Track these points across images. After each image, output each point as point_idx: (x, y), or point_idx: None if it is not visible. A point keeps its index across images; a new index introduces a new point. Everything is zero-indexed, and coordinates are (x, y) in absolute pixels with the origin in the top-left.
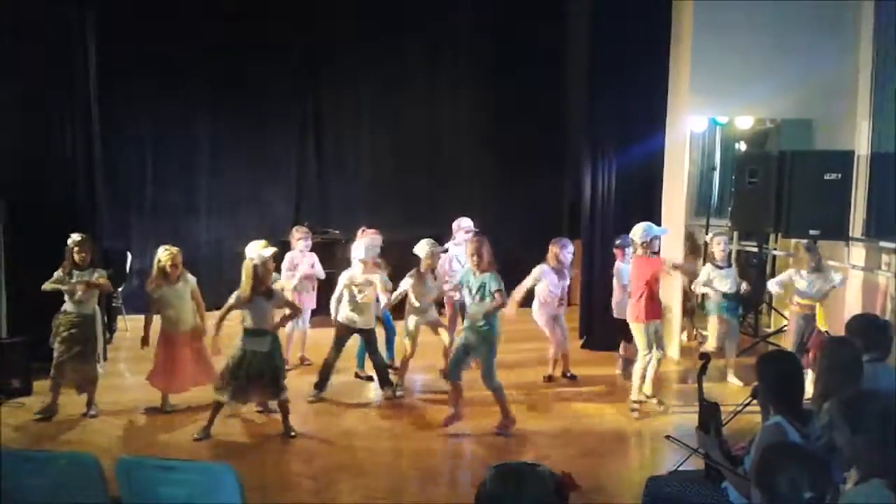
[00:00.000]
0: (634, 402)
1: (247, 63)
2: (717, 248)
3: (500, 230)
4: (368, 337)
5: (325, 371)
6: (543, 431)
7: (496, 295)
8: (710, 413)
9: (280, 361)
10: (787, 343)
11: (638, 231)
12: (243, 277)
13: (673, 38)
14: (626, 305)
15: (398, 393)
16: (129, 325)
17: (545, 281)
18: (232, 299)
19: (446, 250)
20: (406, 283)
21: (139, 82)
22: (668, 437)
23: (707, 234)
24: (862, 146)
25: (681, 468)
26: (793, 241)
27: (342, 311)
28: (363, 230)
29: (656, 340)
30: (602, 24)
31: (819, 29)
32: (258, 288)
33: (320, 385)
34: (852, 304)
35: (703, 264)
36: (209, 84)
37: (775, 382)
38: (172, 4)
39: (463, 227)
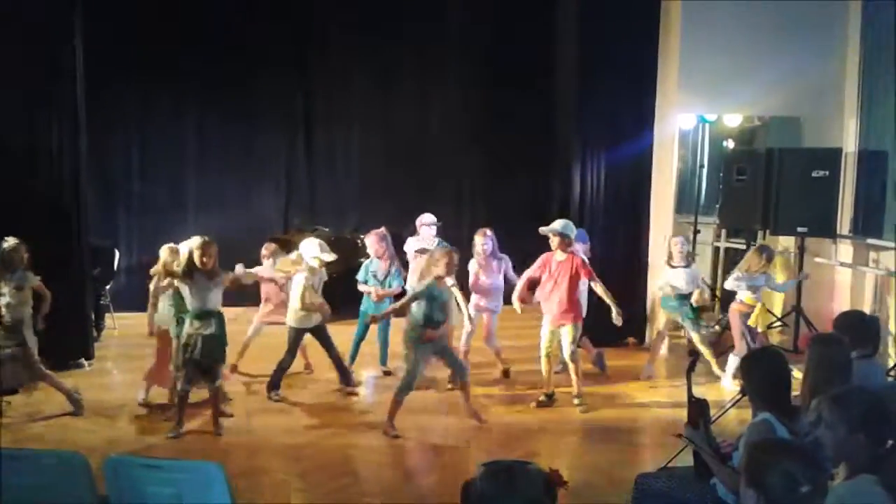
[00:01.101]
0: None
1: (237, 60)
2: (675, 248)
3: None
4: (319, 334)
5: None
6: (529, 427)
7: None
8: (698, 409)
9: (219, 348)
10: (736, 343)
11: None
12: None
13: (661, 36)
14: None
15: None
16: (118, 322)
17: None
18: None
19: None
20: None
21: (128, 79)
22: (677, 435)
23: (695, 231)
24: (849, 144)
25: (670, 465)
26: (778, 239)
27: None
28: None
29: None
30: (591, 24)
31: (807, 27)
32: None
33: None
34: (840, 302)
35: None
36: (199, 81)
37: (762, 379)
38: (164, 1)
39: (425, 222)
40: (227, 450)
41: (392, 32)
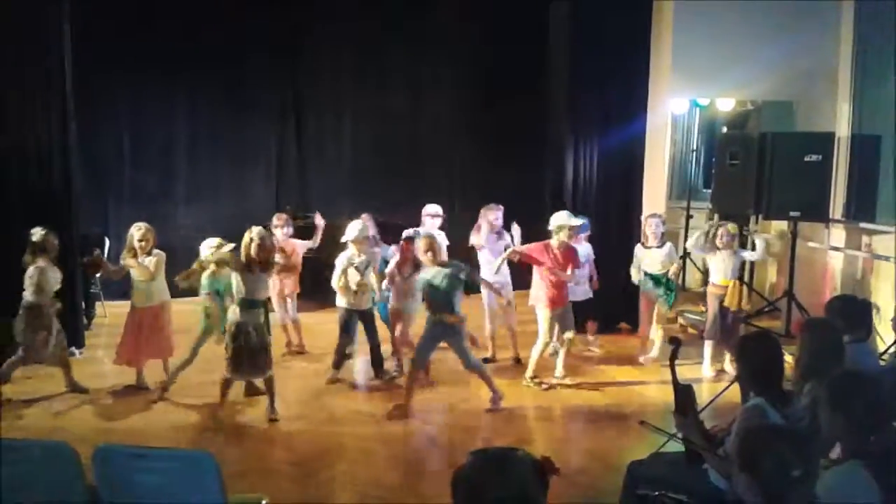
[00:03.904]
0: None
1: (228, 48)
2: (649, 229)
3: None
4: (366, 318)
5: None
6: (524, 414)
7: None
8: (685, 396)
9: (268, 336)
10: (707, 326)
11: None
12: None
13: (654, 20)
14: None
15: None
16: (108, 311)
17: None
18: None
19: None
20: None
21: (117, 68)
22: (641, 422)
23: (688, 215)
24: (842, 128)
25: (661, 450)
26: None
27: (341, 296)
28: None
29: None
30: (584, 8)
31: (800, 11)
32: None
33: (337, 364)
34: (832, 286)
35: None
36: (190, 69)
37: (755, 364)
38: None
39: (429, 213)
40: (220, 438)
41: (384, 20)
